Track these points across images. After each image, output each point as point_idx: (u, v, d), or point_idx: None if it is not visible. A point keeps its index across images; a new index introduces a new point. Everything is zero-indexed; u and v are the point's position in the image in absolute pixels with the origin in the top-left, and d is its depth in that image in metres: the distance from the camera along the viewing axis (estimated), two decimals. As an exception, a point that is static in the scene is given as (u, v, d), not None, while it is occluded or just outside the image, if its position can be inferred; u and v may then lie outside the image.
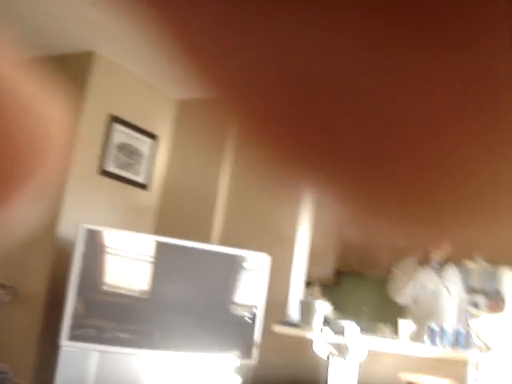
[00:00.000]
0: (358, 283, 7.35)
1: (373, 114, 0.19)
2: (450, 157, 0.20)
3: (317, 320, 4.07)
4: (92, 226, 3.95)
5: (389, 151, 0.20)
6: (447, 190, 0.22)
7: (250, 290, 4.25)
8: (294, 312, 4.44)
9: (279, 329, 4.13)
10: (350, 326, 4.03)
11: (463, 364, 3.93)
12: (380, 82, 0.18)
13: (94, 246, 3.95)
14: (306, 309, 4.13)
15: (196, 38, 0.18)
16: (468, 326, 4.38)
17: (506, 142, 0.20)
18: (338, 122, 0.19)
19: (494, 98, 0.18)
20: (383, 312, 5.20)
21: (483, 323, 4.76)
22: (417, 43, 0.16)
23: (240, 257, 4.28)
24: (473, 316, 4.68)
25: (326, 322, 4.10)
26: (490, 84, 0.18)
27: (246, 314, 4.21)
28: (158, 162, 5.11)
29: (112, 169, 4.65)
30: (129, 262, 4.11)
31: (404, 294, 4.56)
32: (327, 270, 7.18)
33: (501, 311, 5.57)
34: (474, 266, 5.67)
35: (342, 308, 5.07)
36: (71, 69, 4.32)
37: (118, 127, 4.69)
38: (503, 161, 0.21)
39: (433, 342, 4.02)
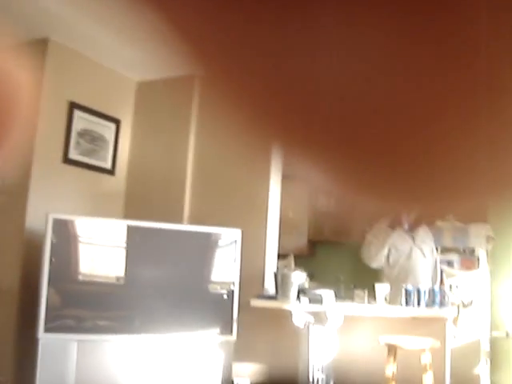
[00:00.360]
0: (332, 252, 7.40)
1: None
2: (426, 128, 0.21)
3: (293, 291, 4.09)
4: (60, 216, 3.89)
5: (361, 121, 0.21)
6: (422, 161, 0.23)
7: (225, 266, 4.25)
8: (270, 285, 4.45)
9: (256, 302, 4.15)
10: (326, 294, 4.06)
11: (441, 322, 3.98)
12: (367, 69, 0.19)
13: (64, 236, 3.90)
14: (282, 281, 4.14)
15: (181, 13, 0.20)
16: (443, 284, 4.45)
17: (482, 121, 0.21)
18: (312, 88, 0.20)
19: (474, 89, 0.19)
20: (359, 278, 5.23)
21: (458, 281, 4.83)
22: (409, 38, 0.18)
23: (212, 234, 4.27)
24: (447, 275, 4.75)
25: (303, 292, 4.12)
26: (470, 75, 0.19)
27: (223, 291, 4.21)
28: (121, 145, 5.05)
29: (76, 156, 4.58)
30: (101, 248, 4.07)
31: (378, 258, 4.60)
32: (301, 240, 7.22)
33: (474, 268, 5.66)
34: (446, 225, 5.73)
35: (318, 277, 5.10)
36: (27, 57, 4.23)
37: (79, 114, 4.62)
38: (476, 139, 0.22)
39: (409, 302, 4.07)
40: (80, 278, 3.99)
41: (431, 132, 0.22)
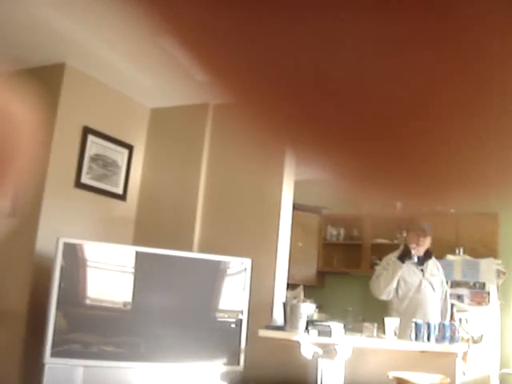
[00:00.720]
0: (341, 283, 7.37)
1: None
2: (435, 124, 0.22)
3: (302, 322, 4.06)
4: (70, 240, 3.90)
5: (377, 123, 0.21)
6: (431, 155, 0.23)
7: (234, 295, 4.23)
8: (278, 315, 4.42)
9: (265, 333, 4.11)
10: (335, 326, 4.03)
11: (451, 358, 3.93)
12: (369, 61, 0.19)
13: (74, 260, 3.90)
14: (291, 311, 4.11)
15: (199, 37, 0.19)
16: (453, 319, 4.40)
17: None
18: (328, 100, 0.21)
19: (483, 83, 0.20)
20: (368, 310, 5.20)
21: (468, 316, 4.78)
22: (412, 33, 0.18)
23: (222, 262, 4.26)
24: (458, 309, 4.70)
25: (311, 323, 4.08)
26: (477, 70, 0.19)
27: (231, 320, 4.18)
28: (134, 171, 5.07)
29: (88, 181, 4.60)
30: (110, 273, 4.06)
31: (387, 291, 4.56)
32: (310, 271, 7.20)
33: (485, 303, 5.61)
34: (456, 259, 5.70)
35: (327, 309, 5.07)
36: (43, 82, 4.28)
37: (93, 138, 4.65)
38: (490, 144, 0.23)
39: (419, 337, 4.03)
40: (88, 302, 3.97)
41: (439, 128, 0.22)
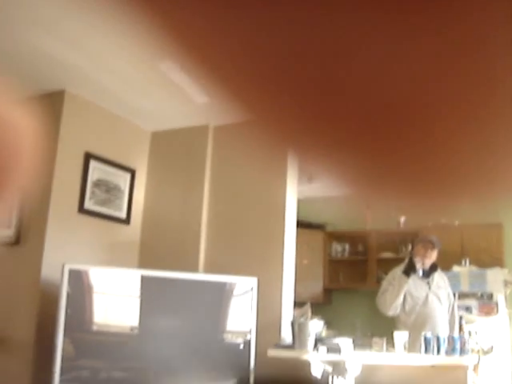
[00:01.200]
0: (348, 299, 7.35)
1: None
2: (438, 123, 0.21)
3: (310, 340, 4.04)
4: (76, 266, 3.89)
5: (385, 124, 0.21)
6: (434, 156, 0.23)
7: (241, 315, 4.22)
8: (286, 334, 4.40)
9: (273, 352, 4.09)
10: (344, 343, 4.01)
11: (462, 370, 3.91)
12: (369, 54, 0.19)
13: (80, 286, 3.90)
14: (299, 330, 4.09)
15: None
16: (462, 331, 4.38)
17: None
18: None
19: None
20: (376, 325, 5.17)
21: (477, 327, 4.76)
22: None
23: (228, 283, 4.25)
24: (466, 321, 4.68)
25: (320, 341, 4.06)
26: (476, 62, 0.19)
27: (239, 341, 4.17)
28: (136, 195, 5.08)
29: (91, 206, 4.61)
30: (116, 298, 4.06)
31: (393, 306, 4.54)
32: (317, 288, 7.18)
33: (493, 313, 5.58)
34: (462, 270, 5.68)
35: (335, 325, 5.04)
36: (43, 109, 4.30)
37: (95, 164, 4.67)
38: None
39: (428, 350, 4.01)
40: (95, 328, 3.96)
41: (442, 128, 0.22)
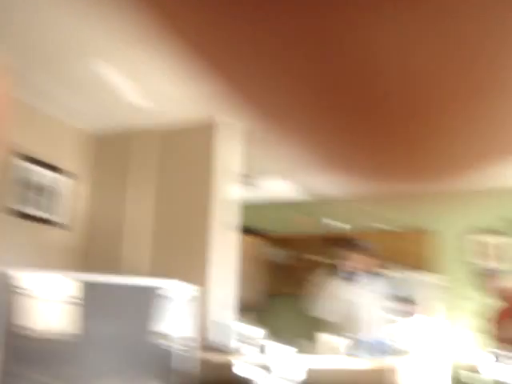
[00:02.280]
0: (287, 304, 7.42)
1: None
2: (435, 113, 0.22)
3: (245, 344, 4.08)
4: (5, 270, 3.82)
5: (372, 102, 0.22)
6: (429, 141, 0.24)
7: (176, 320, 4.22)
8: (217, 336, 4.42)
9: (203, 355, 4.11)
10: (268, 343, 4.05)
11: (388, 372, 3.96)
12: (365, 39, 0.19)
13: (7, 291, 3.82)
14: (225, 332, 4.13)
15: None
16: (388, 333, 4.49)
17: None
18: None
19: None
20: (308, 328, 5.25)
21: (398, 328, 4.89)
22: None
23: (165, 288, 4.24)
24: (391, 323, 4.80)
25: (246, 342, 4.10)
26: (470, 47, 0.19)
27: (175, 345, 4.17)
28: (78, 200, 5.02)
29: (28, 209, 4.52)
30: (49, 304, 4.00)
31: (319, 308, 4.63)
32: (256, 293, 7.22)
33: (418, 315, 5.76)
34: (389, 273, 5.83)
35: (273, 330, 5.09)
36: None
37: (26, 165, 4.57)
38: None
39: (354, 353, 4.08)
40: (29, 334, 3.89)
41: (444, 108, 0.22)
